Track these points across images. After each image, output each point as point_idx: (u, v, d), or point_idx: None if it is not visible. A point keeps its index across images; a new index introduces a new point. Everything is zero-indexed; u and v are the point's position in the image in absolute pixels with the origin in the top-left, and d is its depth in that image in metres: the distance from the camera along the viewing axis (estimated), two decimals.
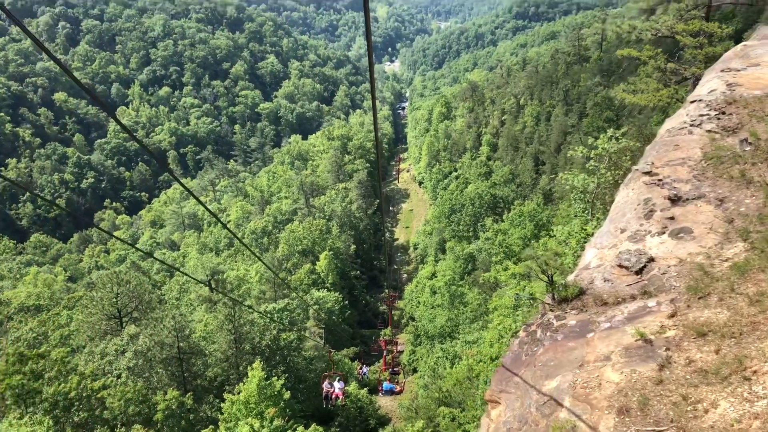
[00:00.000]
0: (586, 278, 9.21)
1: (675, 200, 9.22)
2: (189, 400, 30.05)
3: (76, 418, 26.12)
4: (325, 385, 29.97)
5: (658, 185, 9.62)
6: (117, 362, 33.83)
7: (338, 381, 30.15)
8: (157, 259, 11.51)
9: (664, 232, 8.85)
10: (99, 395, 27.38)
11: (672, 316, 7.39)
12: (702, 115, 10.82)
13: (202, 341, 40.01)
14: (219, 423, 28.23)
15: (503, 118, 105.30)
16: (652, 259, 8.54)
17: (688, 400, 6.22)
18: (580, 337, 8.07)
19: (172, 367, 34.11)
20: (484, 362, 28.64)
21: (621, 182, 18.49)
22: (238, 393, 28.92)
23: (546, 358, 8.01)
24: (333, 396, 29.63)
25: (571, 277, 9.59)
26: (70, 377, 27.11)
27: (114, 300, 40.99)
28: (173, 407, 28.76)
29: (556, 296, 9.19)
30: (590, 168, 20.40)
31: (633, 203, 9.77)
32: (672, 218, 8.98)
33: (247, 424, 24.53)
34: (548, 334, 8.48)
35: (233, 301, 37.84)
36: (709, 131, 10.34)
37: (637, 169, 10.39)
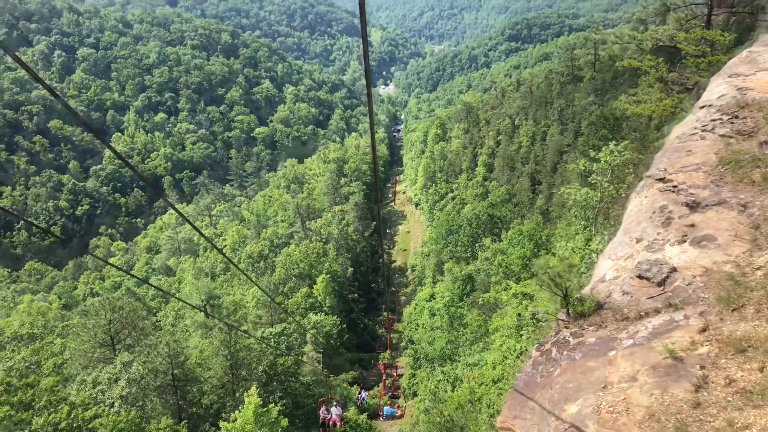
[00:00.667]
0: (602, 291, 8.63)
1: (693, 207, 8.71)
2: (183, 428, 29.23)
3: None
4: (322, 411, 29.09)
5: (673, 192, 9.14)
6: (110, 391, 32.97)
7: (336, 407, 29.26)
8: (152, 285, 11.03)
9: (684, 241, 8.32)
10: (90, 425, 26.54)
11: (703, 330, 6.78)
12: (714, 120, 10.41)
13: (198, 368, 39.18)
14: None
15: (498, 138, 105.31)
16: (674, 270, 7.96)
17: (735, 426, 5.52)
18: (600, 356, 7.44)
19: (166, 394, 33.28)
20: (486, 385, 27.95)
21: (624, 196, 18.02)
22: (234, 420, 28.10)
23: (564, 379, 7.37)
24: (330, 423, 28.70)
25: (586, 291, 9.02)
26: (60, 407, 26.31)
27: (107, 327, 40.20)
28: None
29: (571, 312, 8.60)
30: (592, 181, 19.92)
31: (647, 211, 9.26)
32: (692, 225, 8.45)
33: None
34: (565, 353, 7.84)
35: (229, 327, 37.11)
36: (722, 135, 9.91)
37: (649, 176, 9.91)
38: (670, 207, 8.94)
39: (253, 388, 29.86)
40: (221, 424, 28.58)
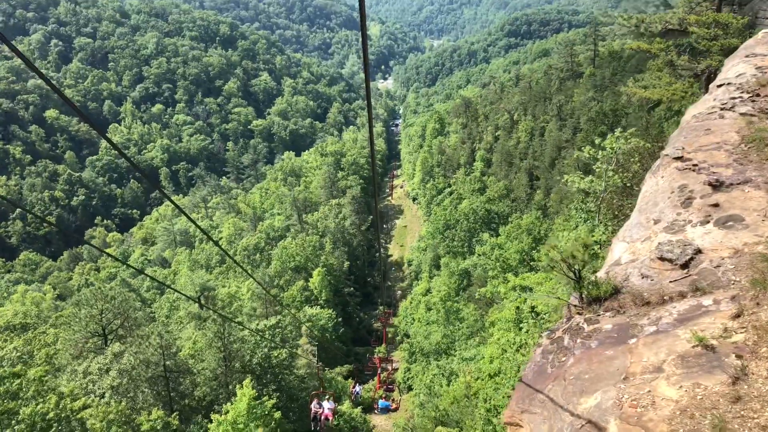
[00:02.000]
0: (619, 275, 8.07)
1: (717, 186, 8.17)
2: (175, 420, 28.69)
3: None
4: (314, 405, 28.37)
5: (693, 170, 8.60)
6: (100, 381, 32.43)
7: (328, 400, 28.54)
8: (147, 275, 10.75)
9: (708, 221, 7.78)
10: (79, 416, 26.02)
11: (737, 316, 6.21)
12: (733, 98, 9.90)
13: (191, 359, 38.67)
14: None
15: (497, 133, 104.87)
16: (699, 251, 7.40)
17: None
18: (619, 344, 6.89)
19: (158, 386, 32.74)
20: (483, 379, 27.51)
21: (630, 185, 17.55)
22: (226, 413, 27.57)
23: (579, 369, 6.78)
24: (322, 417, 27.98)
25: (600, 274, 8.47)
26: (48, 397, 25.75)
27: (98, 317, 39.63)
28: (158, 428, 27.39)
29: (584, 296, 8.04)
30: (597, 170, 19.26)
31: (665, 191, 8.71)
32: (716, 205, 7.91)
33: None
34: (579, 341, 7.29)
35: (223, 318, 36.58)
36: (744, 114, 9.41)
37: (666, 155, 9.37)
38: (691, 186, 8.40)
39: (247, 380, 29.34)
40: (213, 416, 28.05)
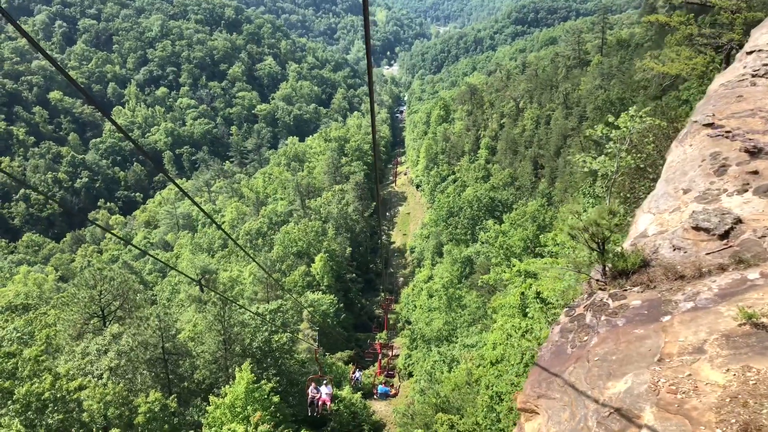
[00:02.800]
0: (647, 247, 7.50)
1: (754, 153, 7.56)
2: (173, 402, 28.35)
3: (50, 421, 24.40)
4: (311, 389, 27.29)
5: (726, 137, 8.01)
6: (98, 362, 32.09)
7: (326, 385, 27.44)
8: (149, 254, 10.32)
9: (746, 190, 7.18)
10: (75, 396, 25.68)
11: None
12: (766, 65, 9.30)
13: (190, 342, 38.35)
14: (203, 428, 26.54)
15: (502, 121, 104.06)
16: (739, 220, 6.82)
17: None
18: (651, 322, 6.26)
19: (156, 368, 32.41)
20: (484, 366, 27.06)
21: (644, 167, 16.92)
22: (224, 396, 27.21)
23: (604, 350, 6.15)
24: (319, 402, 26.90)
25: (625, 247, 7.86)
26: (44, 377, 25.40)
27: (97, 298, 39.27)
28: (156, 410, 27.05)
29: (608, 269, 7.43)
30: (610, 150, 18.48)
31: (695, 159, 8.09)
32: (755, 173, 7.30)
33: (230, 430, 22.84)
34: (603, 318, 6.67)
35: (223, 301, 36.18)
36: None
37: (695, 122, 8.77)
38: (725, 154, 7.79)
39: (246, 363, 28.96)
40: (211, 398, 27.71)
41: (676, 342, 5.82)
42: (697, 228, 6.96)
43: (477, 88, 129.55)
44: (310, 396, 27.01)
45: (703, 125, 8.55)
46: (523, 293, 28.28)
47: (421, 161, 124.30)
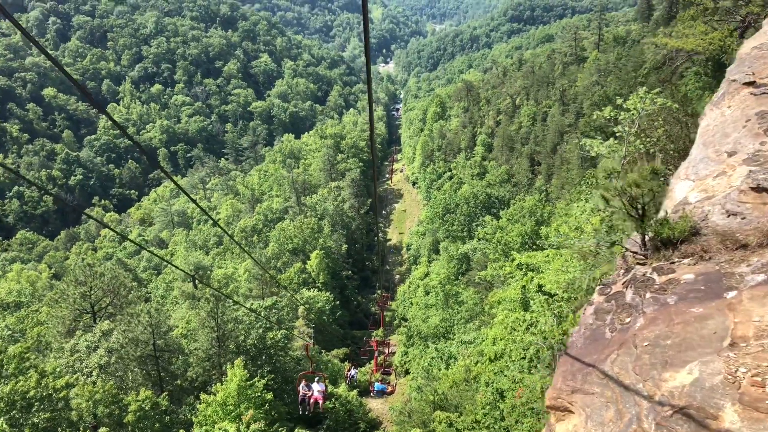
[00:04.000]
0: (696, 214, 6.77)
1: None
2: (164, 400, 27.81)
3: (36, 420, 23.84)
4: (302, 387, 25.40)
5: None
6: (88, 360, 31.51)
7: (318, 382, 25.59)
8: (145, 248, 10.04)
9: None
10: (62, 394, 25.12)
11: None
12: None
13: (183, 339, 37.80)
14: (193, 427, 25.96)
15: (498, 118, 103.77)
16: None
17: None
18: (711, 299, 5.42)
19: (147, 365, 31.84)
20: (483, 363, 26.60)
21: (653, 152, 16.36)
22: (215, 394, 26.63)
23: (654, 333, 5.34)
24: (311, 400, 25.05)
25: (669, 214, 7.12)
26: (29, 374, 24.81)
27: (87, 294, 38.65)
28: (146, 408, 26.52)
29: (648, 240, 6.61)
30: (618, 133, 17.60)
31: (738, 120, 7.43)
32: None
33: (220, 429, 22.29)
34: (648, 295, 5.84)
35: (216, 297, 35.63)
36: None
37: (734, 80, 8.20)
38: None
39: (239, 360, 28.41)
40: (202, 396, 27.13)
41: (749, 322, 4.95)
42: (758, 189, 6.18)
43: (473, 85, 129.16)
44: (300, 394, 25.44)
45: (744, 84, 7.95)
46: (524, 287, 27.77)
47: (417, 158, 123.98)
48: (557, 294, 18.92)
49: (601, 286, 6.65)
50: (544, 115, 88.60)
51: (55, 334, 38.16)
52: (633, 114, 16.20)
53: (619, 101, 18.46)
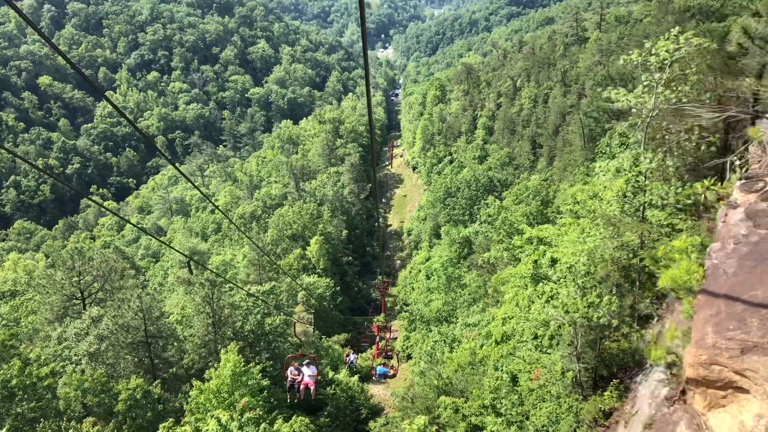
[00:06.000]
0: None
1: None
2: (156, 388, 26.70)
3: (19, 409, 22.75)
4: (291, 371, 22.85)
5: None
6: (76, 347, 30.37)
7: (308, 366, 22.97)
8: (143, 230, 9.03)
9: None
10: (46, 383, 24.01)
11: None
12: None
13: (178, 325, 36.72)
14: (184, 415, 24.82)
15: (499, 100, 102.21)
16: None
17: None
18: None
19: (139, 352, 30.71)
20: (489, 345, 25.43)
21: (687, 101, 14.99)
22: (209, 380, 25.44)
23: None
24: (301, 386, 22.61)
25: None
26: (12, 362, 23.66)
27: (76, 279, 37.46)
28: (137, 397, 25.41)
29: None
30: (646, 82, 15.80)
31: None
32: None
33: (213, 417, 21.15)
34: None
35: (212, 281, 34.50)
36: None
37: None
38: None
39: (232, 344, 27.24)
40: (194, 383, 25.95)
41: None
42: None
43: (473, 68, 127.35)
44: (289, 379, 22.86)
45: None
46: (536, 261, 26.40)
47: (418, 142, 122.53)
48: (574, 266, 17.63)
49: (744, 182, 5.17)
50: (546, 97, 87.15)
51: (44, 321, 36.99)
52: (666, 56, 14.45)
53: (648, 44, 16.76)
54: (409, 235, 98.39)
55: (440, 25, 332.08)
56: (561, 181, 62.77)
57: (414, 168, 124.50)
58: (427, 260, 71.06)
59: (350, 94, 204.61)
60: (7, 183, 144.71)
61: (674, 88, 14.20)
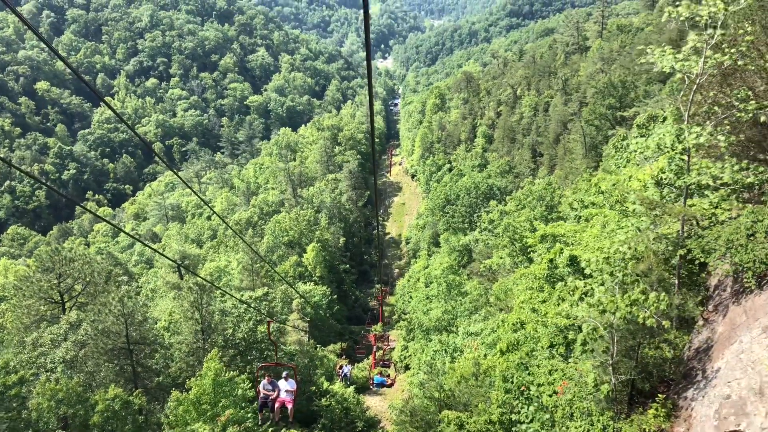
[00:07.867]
0: None
1: None
2: (137, 398, 24.95)
3: None
4: (263, 385, 18.83)
5: None
6: (52, 354, 28.60)
7: (286, 379, 18.77)
8: (134, 237, 7.88)
9: None
10: (14, 392, 22.31)
11: None
12: None
13: (166, 332, 35.00)
14: (162, 428, 23.07)
15: (499, 109, 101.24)
16: None
17: None
18: None
19: (120, 360, 28.95)
20: (494, 354, 23.78)
21: (742, 64, 13.28)
22: (189, 390, 23.61)
23: None
24: (275, 403, 18.43)
25: None
26: None
27: (55, 281, 35.68)
28: (116, 408, 23.66)
29: None
30: (692, 44, 13.73)
31: None
32: None
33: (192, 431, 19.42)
34: None
35: (201, 286, 32.82)
36: None
37: None
38: None
39: (214, 351, 25.47)
40: (173, 393, 24.10)
41: None
42: None
43: (473, 76, 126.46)
44: (261, 395, 18.76)
45: None
46: (551, 260, 24.58)
47: (417, 150, 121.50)
48: (611, 257, 15.92)
49: None
50: (546, 105, 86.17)
51: (19, 325, 35.11)
52: (718, 10, 12.50)
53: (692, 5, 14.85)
54: (407, 243, 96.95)
55: (440, 35, 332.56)
56: (562, 189, 61.46)
57: (413, 176, 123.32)
58: (426, 268, 69.55)
59: (349, 101, 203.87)
60: (2, 188, 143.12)
61: (726, 51, 12.62)
